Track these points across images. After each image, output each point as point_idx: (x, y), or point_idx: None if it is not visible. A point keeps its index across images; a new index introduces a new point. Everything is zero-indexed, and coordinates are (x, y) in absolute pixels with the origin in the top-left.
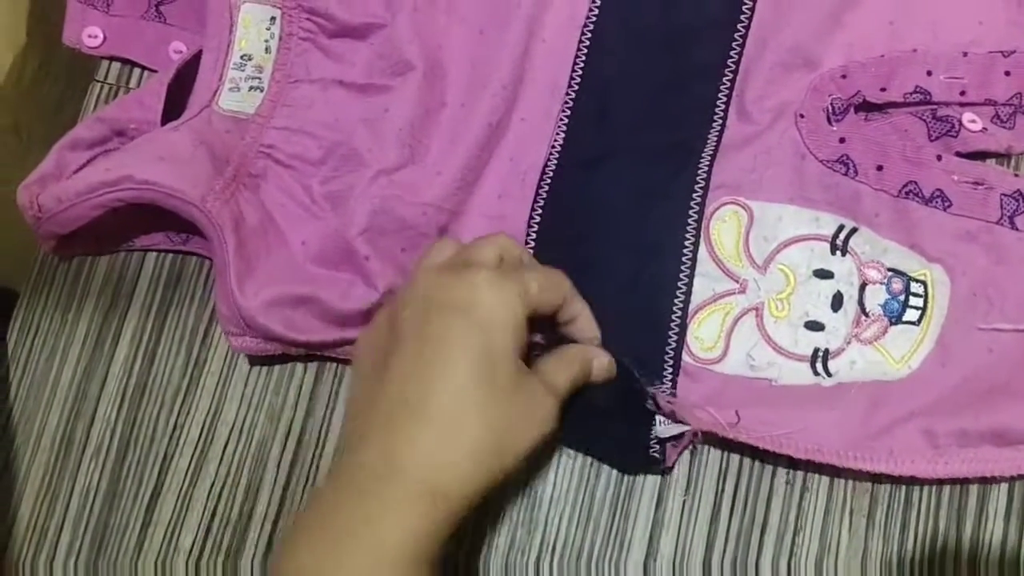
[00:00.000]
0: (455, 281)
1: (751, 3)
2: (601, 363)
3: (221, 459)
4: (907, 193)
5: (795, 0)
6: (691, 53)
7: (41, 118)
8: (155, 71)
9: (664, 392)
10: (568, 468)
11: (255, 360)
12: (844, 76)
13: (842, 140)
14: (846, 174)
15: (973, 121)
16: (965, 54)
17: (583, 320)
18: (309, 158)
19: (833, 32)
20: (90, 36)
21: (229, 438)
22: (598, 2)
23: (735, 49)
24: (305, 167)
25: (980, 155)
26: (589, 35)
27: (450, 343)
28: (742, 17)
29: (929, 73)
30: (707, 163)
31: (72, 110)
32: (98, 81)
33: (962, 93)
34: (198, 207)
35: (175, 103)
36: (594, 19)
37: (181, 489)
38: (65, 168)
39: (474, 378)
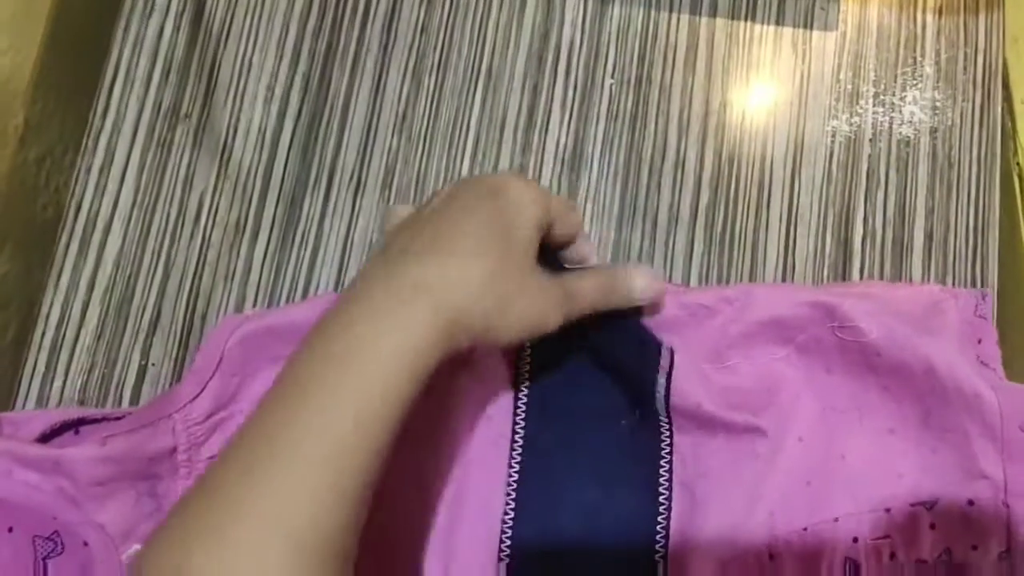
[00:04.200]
0: (486, 176)
1: (666, 502)
2: (640, 285)
3: None
4: None
5: (711, 488)
6: (616, 559)
7: None
8: None
9: None
10: None
11: None
12: (771, 558)
13: None
14: None
15: None
16: (888, 510)
17: (590, 263)
18: None
19: (753, 509)
20: None
21: None
22: (509, 523)
23: (659, 550)
24: None
25: None
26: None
27: (477, 212)
28: (660, 519)
29: (855, 540)
30: None
31: None
32: None
33: (892, 556)
34: None
35: None
36: (509, 539)
37: None
38: None
39: (494, 242)
